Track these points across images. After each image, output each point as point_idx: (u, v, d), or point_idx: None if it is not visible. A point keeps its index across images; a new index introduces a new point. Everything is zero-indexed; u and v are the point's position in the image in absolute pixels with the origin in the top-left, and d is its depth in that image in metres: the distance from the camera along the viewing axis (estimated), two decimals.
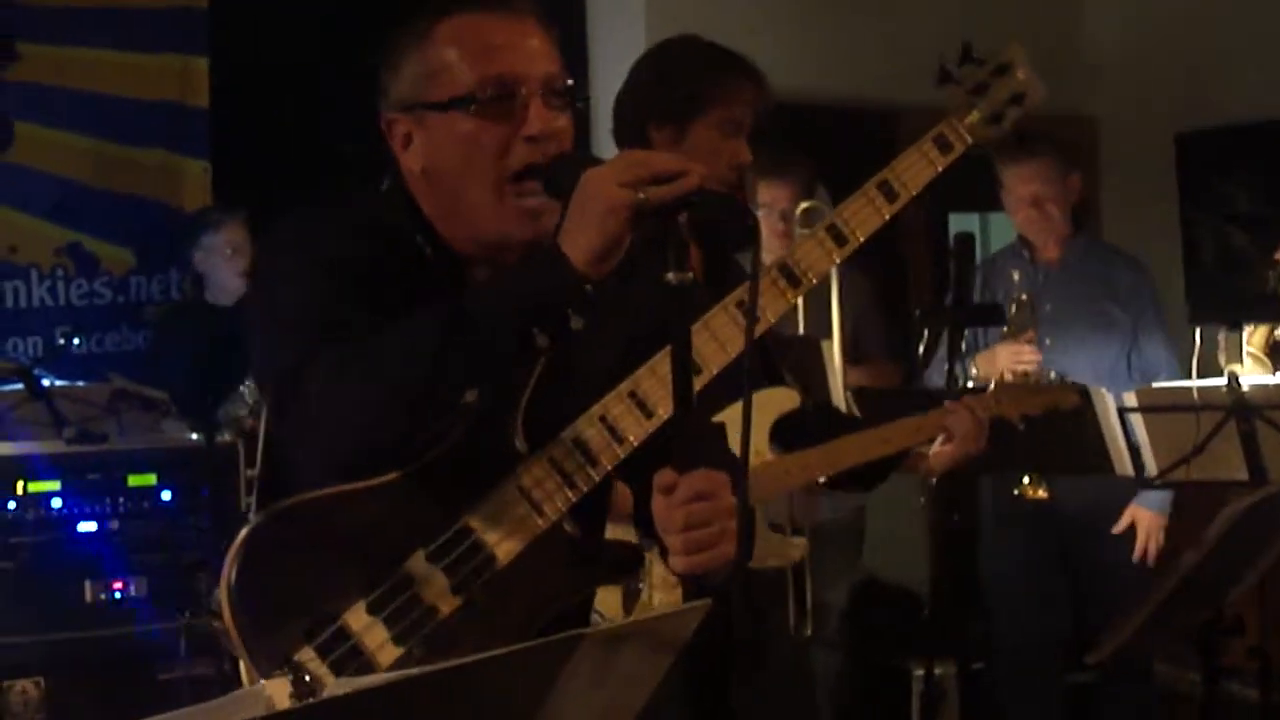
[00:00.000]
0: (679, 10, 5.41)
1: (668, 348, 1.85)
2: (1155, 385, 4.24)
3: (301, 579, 1.93)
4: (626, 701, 1.50)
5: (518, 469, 1.97)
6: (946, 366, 3.97)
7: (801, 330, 4.38)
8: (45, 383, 4.29)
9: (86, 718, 4.01)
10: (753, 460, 1.92)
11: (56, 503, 4.18)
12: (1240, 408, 3.70)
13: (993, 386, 3.42)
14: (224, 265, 5.07)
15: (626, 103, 2.97)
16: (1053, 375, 3.65)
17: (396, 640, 1.92)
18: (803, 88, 5.48)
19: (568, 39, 2.07)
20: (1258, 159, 6.12)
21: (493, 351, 1.84)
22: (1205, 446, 3.72)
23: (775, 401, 3.04)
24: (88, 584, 4.16)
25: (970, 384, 4.15)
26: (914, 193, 2.17)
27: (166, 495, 4.31)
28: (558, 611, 1.99)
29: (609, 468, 1.99)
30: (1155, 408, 3.89)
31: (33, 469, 4.19)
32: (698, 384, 1.97)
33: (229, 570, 1.90)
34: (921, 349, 4.49)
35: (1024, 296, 4.49)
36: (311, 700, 1.33)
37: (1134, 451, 3.95)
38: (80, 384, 4.51)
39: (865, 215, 2.14)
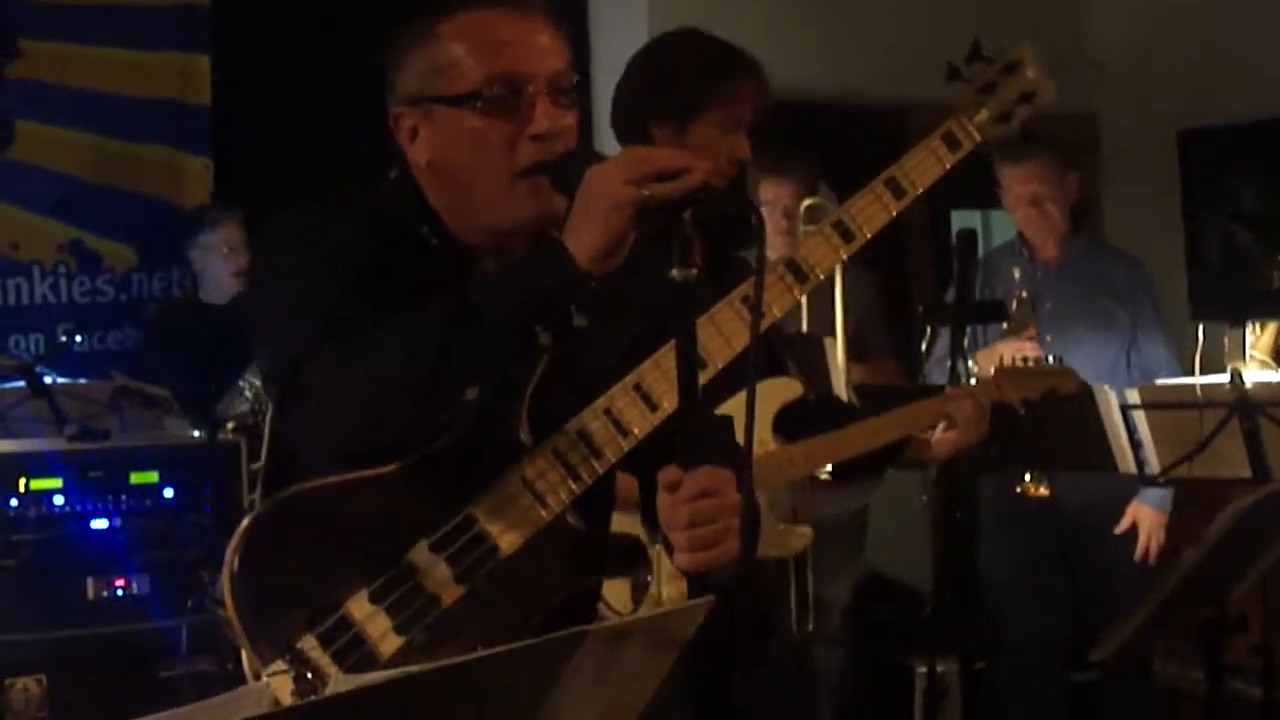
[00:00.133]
0: (682, 5, 5.41)
1: (673, 341, 1.85)
2: (1158, 382, 4.24)
3: (304, 568, 1.93)
4: (630, 698, 1.50)
5: (521, 460, 1.97)
6: (949, 363, 3.97)
7: (805, 328, 4.38)
8: (47, 380, 4.29)
9: (88, 715, 4.01)
10: (756, 450, 1.92)
11: (58, 500, 4.18)
12: (1243, 405, 3.70)
13: (993, 371, 3.42)
14: (221, 263, 5.07)
15: (627, 98, 2.96)
16: (1051, 359, 3.64)
17: (399, 630, 1.92)
18: (808, 85, 5.48)
19: (570, 33, 2.06)
20: (1260, 156, 6.12)
21: (495, 348, 1.84)
22: (1208, 444, 3.72)
23: (778, 391, 3.04)
24: (90, 581, 4.15)
25: (973, 381, 4.15)
26: (921, 190, 2.17)
27: (169, 492, 4.30)
28: (560, 603, 1.99)
29: (613, 460, 2.00)
30: (1158, 405, 3.89)
31: (34, 466, 4.18)
32: (703, 378, 1.97)
33: (231, 559, 1.91)
34: (924, 346, 4.49)
35: (1024, 294, 4.49)
36: (314, 698, 1.33)
37: (1136, 448, 3.94)
38: (82, 381, 4.50)
39: (873, 212, 2.13)
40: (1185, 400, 3.86)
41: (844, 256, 2.14)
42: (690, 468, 1.84)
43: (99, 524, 4.21)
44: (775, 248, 4.60)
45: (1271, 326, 4.88)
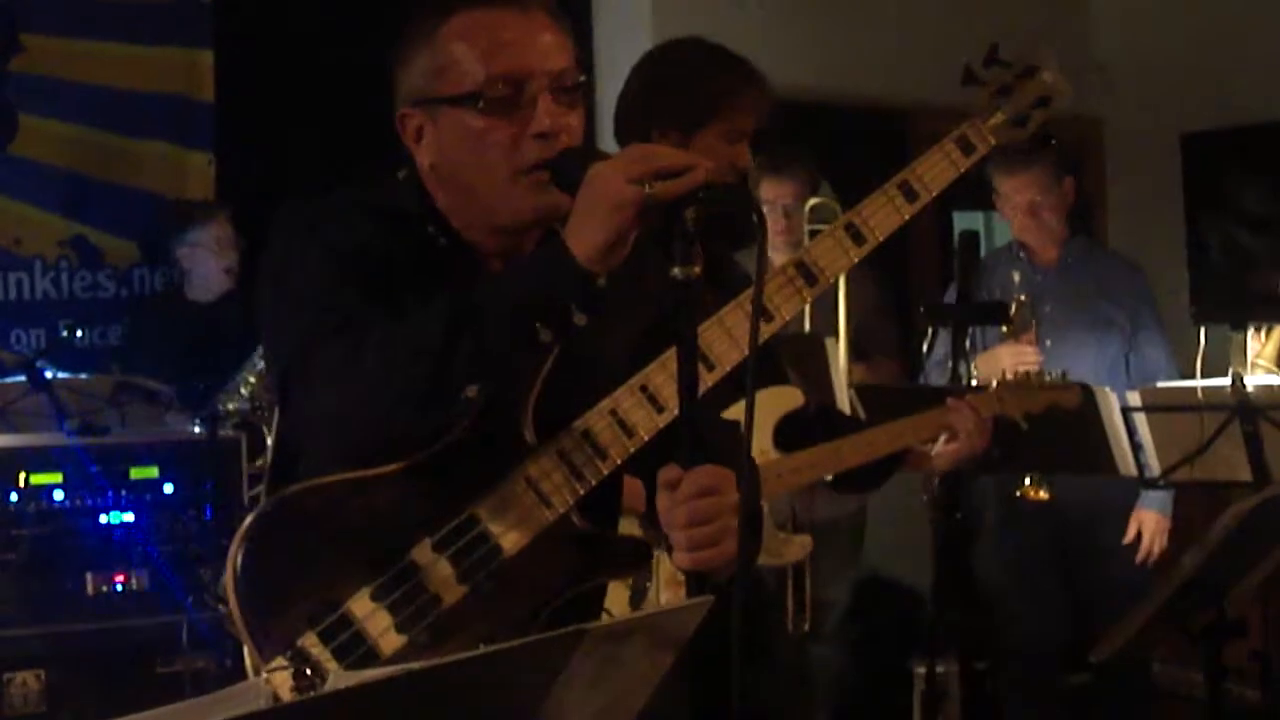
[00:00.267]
0: (687, 6, 5.41)
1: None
2: (1159, 385, 4.24)
3: (306, 565, 1.93)
4: (628, 697, 1.50)
5: (525, 460, 1.97)
6: (950, 364, 3.97)
7: (807, 327, 4.39)
8: (48, 375, 4.29)
9: (87, 710, 4.01)
10: (756, 457, 1.91)
11: (59, 495, 4.18)
12: (1244, 408, 3.70)
13: (994, 385, 3.42)
14: (212, 260, 5.06)
15: (630, 107, 2.94)
16: (1052, 375, 3.64)
17: (400, 628, 1.92)
18: (810, 85, 5.49)
19: (573, 33, 2.06)
20: (1263, 159, 6.12)
21: (496, 346, 1.84)
22: (1209, 447, 3.72)
23: (779, 401, 3.04)
24: (89, 576, 4.16)
25: (974, 382, 4.15)
26: (934, 194, 2.15)
27: (169, 488, 4.31)
28: (565, 604, 1.99)
29: (618, 461, 1.99)
30: (1159, 407, 3.89)
31: (35, 461, 4.18)
32: (710, 379, 1.97)
33: (235, 554, 1.91)
34: (925, 347, 4.49)
35: (1023, 298, 4.49)
36: (313, 694, 1.33)
37: (1137, 451, 3.94)
38: (83, 376, 4.50)
39: (885, 215, 2.12)
40: (1186, 403, 3.86)
41: (855, 259, 2.11)
42: (690, 467, 1.83)
43: (99, 519, 4.21)
44: (775, 247, 4.61)
45: (1276, 333, 4.88)
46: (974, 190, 4.63)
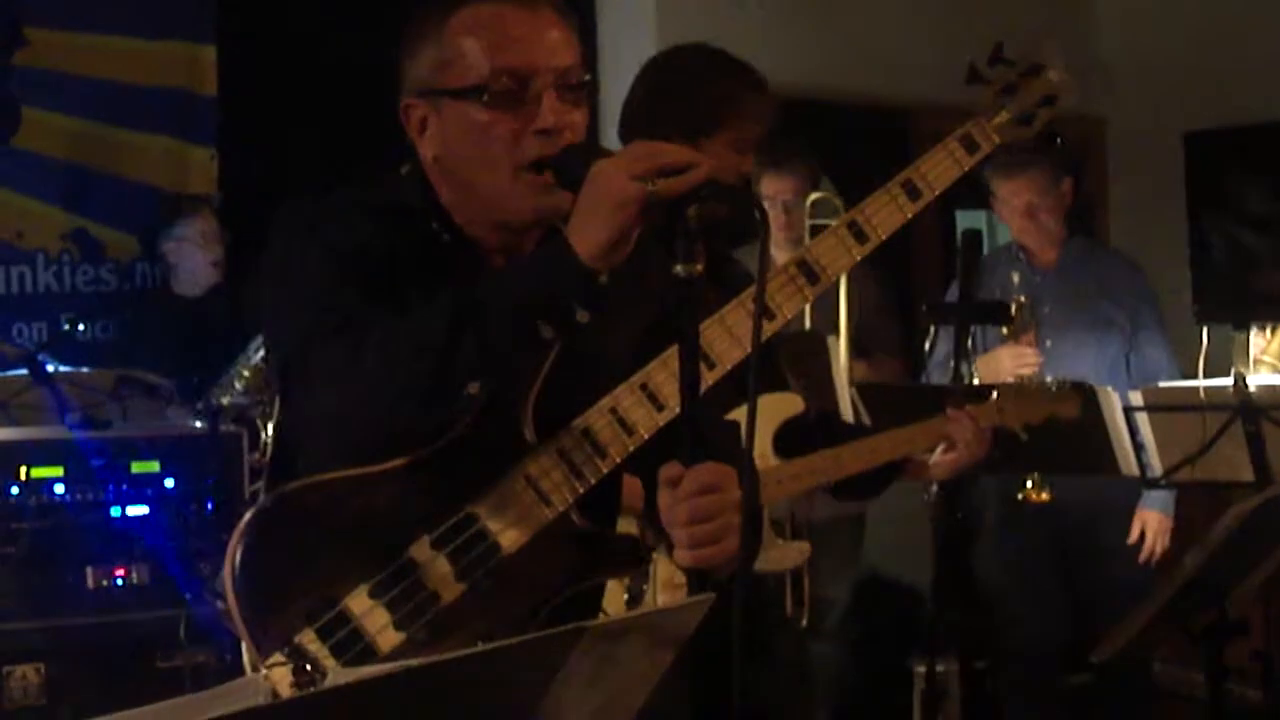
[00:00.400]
0: (691, 5, 5.40)
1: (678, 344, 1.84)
2: (1161, 385, 4.23)
3: (305, 562, 1.93)
4: (627, 696, 1.50)
5: (525, 458, 1.97)
6: (952, 364, 3.97)
7: (808, 324, 4.38)
8: (50, 368, 4.29)
9: (87, 704, 4.01)
10: (757, 461, 1.91)
11: (59, 489, 4.18)
12: (1246, 408, 3.69)
13: (995, 395, 3.42)
14: (200, 254, 5.07)
15: (635, 114, 2.92)
16: (1053, 380, 3.64)
17: (398, 625, 1.92)
18: (815, 84, 5.49)
19: (579, 31, 2.06)
20: (1266, 159, 6.11)
21: (499, 343, 1.84)
22: (1211, 447, 3.71)
23: (779, 407, 3.04)
24: (89, 570, 4.16)
25: (976, 381, 4.15)
26: (938, 192, 2.15)
27: (170, 482, 4.30)
28: (563, 602, 1.99)
29: (618, 460, 1.99)
30: (1161, 407, 3.89)
31: (36, 454, 4.18)
32: (711, 378, 1.97)
33: (234, 550, 1.91)
34: (927, 345, 4.49)
35: (1023, 299, 4.49)
36: (312, 690, 1.33)
37: (1139, 451, 3.94)
38: (85, 370, 4.50)
39: (888, 213, 2.11)
40: (1188, 403, 3.86)
41: (857, 258, 2.10)
42: (691, 464, 1.83)
43: (100, 513, 4.21)
44: (776, 243, 4.61)
45: None
46: (977, 189, 4.62)
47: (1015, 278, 4.60)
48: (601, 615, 2.22)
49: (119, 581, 4.17)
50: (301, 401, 1.96)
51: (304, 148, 5.14)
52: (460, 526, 1.95)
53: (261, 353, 4.34)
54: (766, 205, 4.48)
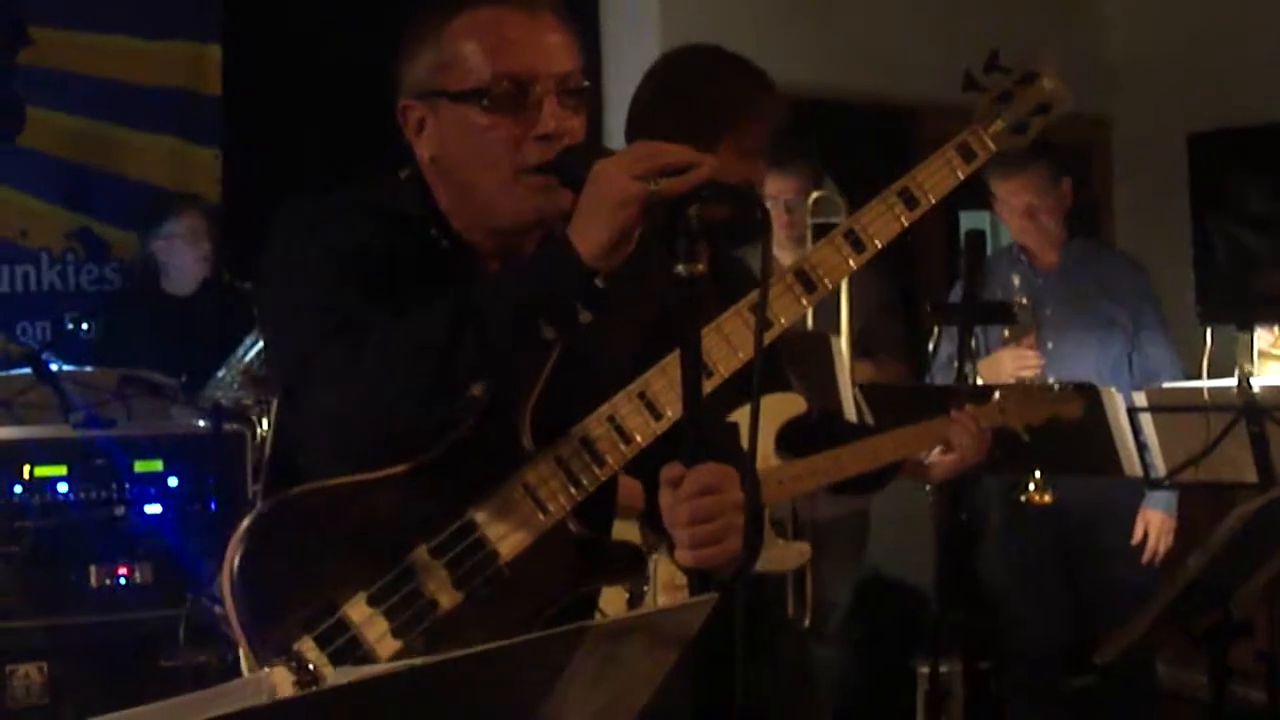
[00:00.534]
0: (695, 5, 5.40)
1: (679, 350, 1.84)
2: (1165, 385, 4.23)
3: (304, 569, 1.93)
4: (630, 696, 1.49)
5: (523, 466, 1.97)
6: (955, 365, 3.97)
7: (811, 326, 4.38)
8: (54, 367, 4.29)
9: (89, 703, 4.01)
10: (758, 462, 1.91)
11: (63, 487, 4.18)
12: (1250, 409, 3.69)
13: (997, 395, 3.42)
14: (189, 251, 5.07)
15: (642, 120, 2.90)
16: (1056, 382, 3.64)
17: (396, 633, 1.92)
18: (818, 83, 5.48)
19: (580, 34, 2.06)
20: (1269, 160, 6.10)
21: (500, 343, 1.84)
22: (1215, 447, 3.71)
23: (781, 407, 3.03)
24: (93, 569, 4.15)
25: (979, 382, 4.14)
26: (935, 200, 2.16)
27: (173, 481, 4.30)
28: (560, 609, 1.99)
29: (615, 468, 2.00)
30: (1165, 408, 3.89)
31: (40, 453, 4.18)
32: (708, 386, 1.96)
33: (232, 557, 1.91)
34: (931, 346, 4.49)
35: (1024, 301, 4.48)
36: (314, 689, 1.33)
37: (1142, 451, 3.94)
38: (88, 369, 4.50)
39: (884, 222, 2.12)
40: (1192, 404, 3.85)
41: (854, 267, 2.12)
42: (693, 465, 1.83)
43: (103, 512, 4.21)
44: (778, 243, 4.61)
45: None
46: (981, 190, 4.62)
47: (1016, 280, 4.60)
48: (599, 616, 2.22)
49: (122, 581, 4.17)
50: (303, 401, 1.95)
51: (309, 148, 5.14)
52: (459, 534, 1.95)
53: (254, 351, 4.34)
54: (769, 205, 4.47)
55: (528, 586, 1.97)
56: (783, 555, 3.19)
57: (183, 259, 5.09)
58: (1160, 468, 3.92)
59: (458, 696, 1.31)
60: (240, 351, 4.42)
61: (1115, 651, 3.11)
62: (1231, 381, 3.86)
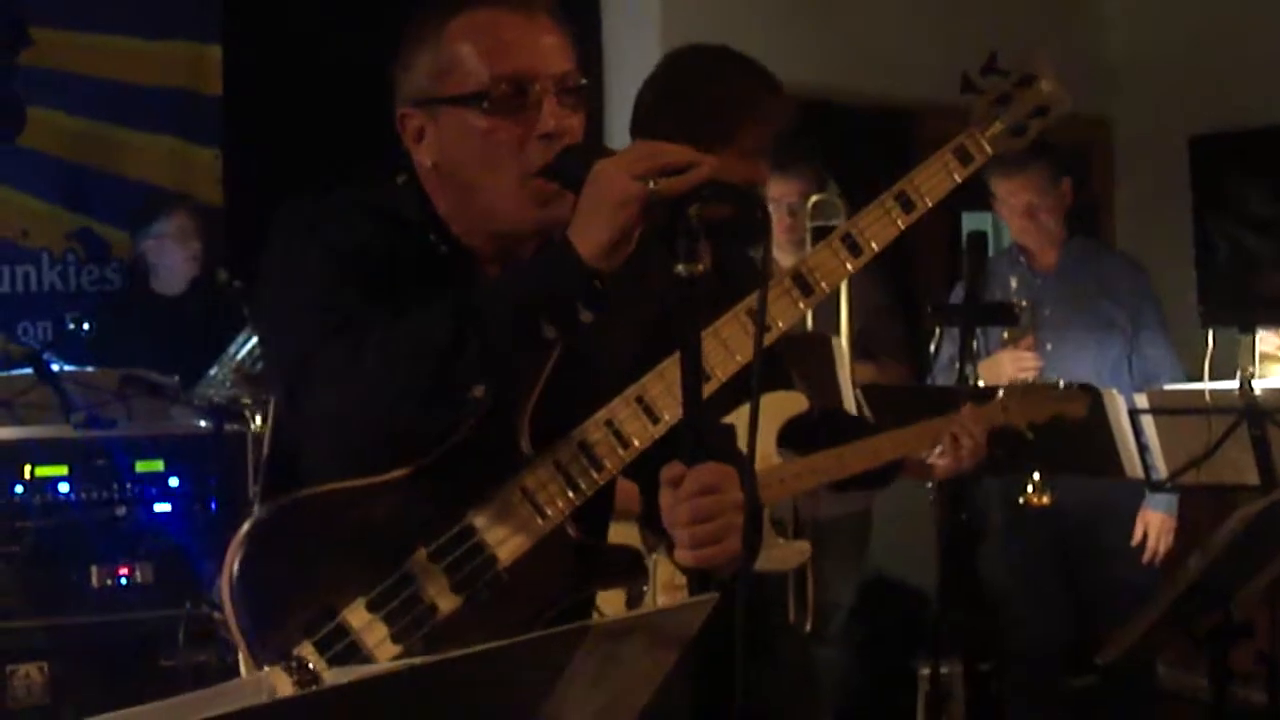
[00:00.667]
0: (696, 4, 5.40)
1: (676, 353, 1.84)
2: (1167, 388, 4.23)
3: (303, 573, 1.93)
4: (630, 696, 1.49)
5: (522, 470, 1.97)
6: (957, 366, 3.96)
7: (810, 327, 4.37)
8: (55, 367, 4.29)
9: (89, 703, 4.00)
10: (759, 463, 1.91)
11: (64, 488, 4.18)
12: (1252, 411, 3.69)
13: (1000, 394, 3.42)
14: (179, 250, 5.07)
15: (647, 120, 2.89)
16: (1059, 383, 3.64)
17: (395, 638, 1.92)
18: (818, 85, 5.47)
19: (581, 33, 2.06)
20: (1271, 162, 6.11)
21: (501, 344, 1.83)
22: (1216, 450, 3.71)
23: (782, 405, 3.03)
24: (94, 569, 4.15)
25: (980, 383, 4.14)
26: (931, 204, 2.16)
27: (174, 482, 4.30)
28: (558, 613, 1.98)
29: (613, 472, 2.00)
30: (1166, 410, 3.88)
31: (40, 453, 4.18)
32: (706, 391, 1.96)
33: (231, 562, 1.90)
34: (932, 347, 4.49)
35: (1024, 302, 4.48)
36: (315, 689, 1.33)
37: (1143, 453, 3.93)
38: (89, 369, 4.50)
39: (881, 226, 2.13)
40: (1194, 406, 3.85)
41: (851, 270, 2.13)
42: (693, 464, 1.83)
43: (104, 512, 4.21)
44: (779, 245, 4.61)
45: None
46: (982, 191, 4.62)
47: (1014, 281, 4.60)
48: (598, 614, 2.22)
49: (123, 581, 4.17)
50: (303, 403, 1.95)
51: (309, 148, 5.14)
52: (458, 538, 1.95)
53: (246, 349, 4.33)
54: (771, 207, 4.46)
55: (526, 591, 1.97)
56: (783, 554, 3.18)
57: (172, 259, 5.10)
58: (1162, 469, 3.91)
59: (458, 696, 1.31)
60: (232, 349, 4.42)
61: (1116, 652, 3.10)
62: (1233, 384, 3.86)
